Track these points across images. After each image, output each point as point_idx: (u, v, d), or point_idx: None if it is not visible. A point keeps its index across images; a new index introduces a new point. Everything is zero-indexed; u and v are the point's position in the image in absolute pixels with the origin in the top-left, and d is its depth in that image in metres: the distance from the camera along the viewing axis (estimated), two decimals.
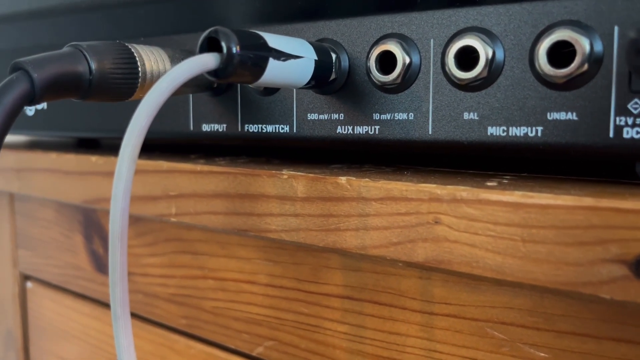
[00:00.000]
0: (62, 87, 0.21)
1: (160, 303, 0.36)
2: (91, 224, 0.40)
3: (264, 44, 0.21)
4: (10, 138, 0.53)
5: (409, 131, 0.24)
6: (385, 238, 0.23)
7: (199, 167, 0.29)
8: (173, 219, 0.31)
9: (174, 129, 0.31)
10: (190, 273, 0.34)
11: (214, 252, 0.32)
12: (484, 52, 0.21)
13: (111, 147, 0.42)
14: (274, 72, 0.21)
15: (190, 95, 0.30)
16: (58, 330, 0.45)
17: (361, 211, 0.23)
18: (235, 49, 0.19)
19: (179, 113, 0.30)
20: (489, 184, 0.22)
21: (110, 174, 0.33)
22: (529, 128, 0.21)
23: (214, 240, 0.32)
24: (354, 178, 0.24)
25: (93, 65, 0.22)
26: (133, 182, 0.33)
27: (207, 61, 0.19)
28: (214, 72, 0.20)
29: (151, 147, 0.40)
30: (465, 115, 0.22)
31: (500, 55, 0.21)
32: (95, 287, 0.41)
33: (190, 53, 0.27)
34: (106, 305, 0.41)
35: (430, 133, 0.23)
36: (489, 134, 0.22)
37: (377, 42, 0.24)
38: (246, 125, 0.28)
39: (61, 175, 0.37)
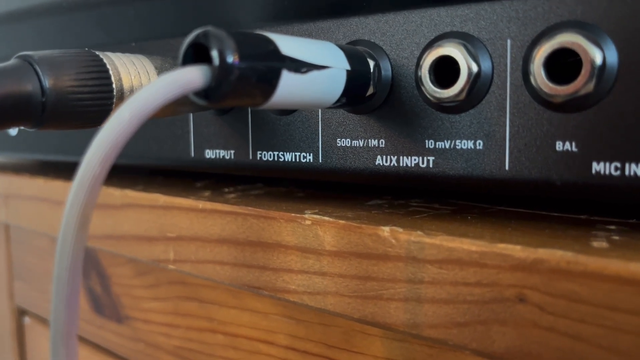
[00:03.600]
0: (4, 114, 0.16)
1: (164, 356, 0.30)
2: (88, 258, 0.35)
3: (274, 50, 0.15)
4: None
5: (476, 165, 0.17)
6: (446, 315, 0.16)
7: (200, 204, 0.23)
8: (171, 266, 0.25)
9: (171, 154, 0.25)
10: (196, 324, 0.28)
11: (223, 302, 0.27)
12: (590, 55, 0.15)
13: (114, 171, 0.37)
14: (290, 89, 0.15)
15: (191, 114, 0.24)
16: None
17: (412, 276, 0.17)
18: (232, 59, 0.13)
19: (178, 136, 0.24)
20: (595, 244, 0.15)
21: (105, 207, 0.28)
22: None
23: (224, 287, 0.26)
24: (400, 229, 0.17)
25: (46, 83, 0.16)
26: (126, 218, 0.28)
27: (190, 77, 0.13)
28: (203, 93, 0.14)
29: (153, 170, 0.34)
30: (559, 145, 0.16)
31: (612, 59, 0.15)
32: (92, 330, 0.35)
33: None
34: (104, 349, 0.35)
35: (507, 169, 0.17)
36: (593, 171, 0.16)
37: (431, 45, 0.17)
38: (259, 152, 0.22)
39: (51, 205, 0.32)
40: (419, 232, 0.17)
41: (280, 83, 0.15)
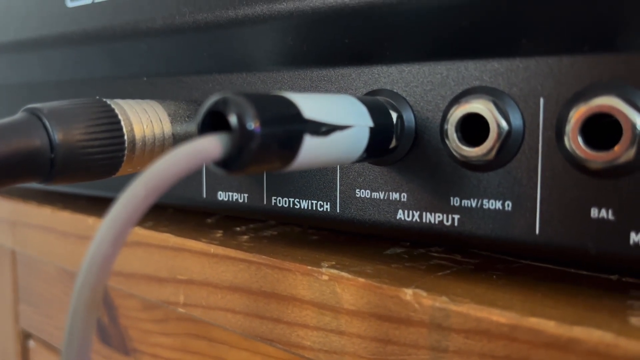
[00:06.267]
0: (11, 171, 0.15)
1: None
2: None
3: (296, 114, 0.14)
4: None
5: (504, 227, 0.16)
6: None
7: (212, 248, 0.22)
8: (181, 309, 0.24)
9: (183, 194, 0.24)
10: None
11: (234, 343, 0.26)
12: (630, 121, 0.14)
13: None
14: (312, 152, 0.14)
15: None
16: None
17: (435, 344, 0.16)
18: (252, 126, 0.13)
19: (189, 175, 0.24)
20: (634, 320, 0.14)
21: None
22: None
23: None
24: (424, 293, 0.16)
25: (56, 138, 0.16)
26: (135, 257, 0.27)
27: (209, 147, 0.13)
28: (222, 163, 0.13)
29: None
30: (594, 212, 0.15)
31: None
32: None
33: (199, 106, 0.20)
34: None
35: (537, 233, 0.16)
36: (631, 242, 0.15)
37: (458, 99, 0.17)
38: (273, 198, 0.21)
39: (58, 236, 0.31)
40: (444, 298, 0.16)
41: (302, 148, 0.14)
